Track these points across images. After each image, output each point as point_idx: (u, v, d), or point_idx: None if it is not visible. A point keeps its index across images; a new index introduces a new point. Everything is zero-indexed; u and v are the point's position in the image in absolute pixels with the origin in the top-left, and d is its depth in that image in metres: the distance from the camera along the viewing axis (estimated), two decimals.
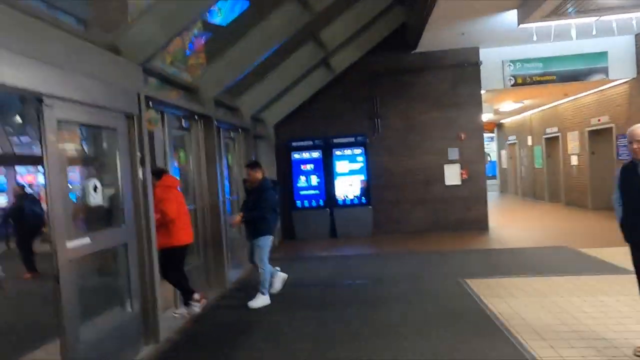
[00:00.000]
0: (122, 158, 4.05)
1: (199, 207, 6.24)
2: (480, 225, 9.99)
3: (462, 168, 10.09)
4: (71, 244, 3.23)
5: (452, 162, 10.10)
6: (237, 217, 5.65)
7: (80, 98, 3.39)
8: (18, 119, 18.34)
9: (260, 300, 5.44)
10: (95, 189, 3.61)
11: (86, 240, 3.41)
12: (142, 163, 4.28)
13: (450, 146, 10.10)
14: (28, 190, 8.91)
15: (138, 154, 4.23)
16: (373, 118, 10.30)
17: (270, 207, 5.50)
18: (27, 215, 7.86)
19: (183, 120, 5.87)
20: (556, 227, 10.08)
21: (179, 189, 5.18)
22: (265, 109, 9.22)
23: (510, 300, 5.02)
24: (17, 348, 4.53)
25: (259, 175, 5.58)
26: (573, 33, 8.31)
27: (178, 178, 5.57)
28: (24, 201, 8.00)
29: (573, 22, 8.04)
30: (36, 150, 20.35)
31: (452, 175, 10.09)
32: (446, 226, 10.06)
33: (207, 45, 9.48)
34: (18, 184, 8.70)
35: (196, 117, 6.12)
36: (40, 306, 6.03)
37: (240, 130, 8.20)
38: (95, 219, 3.89)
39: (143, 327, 4.20)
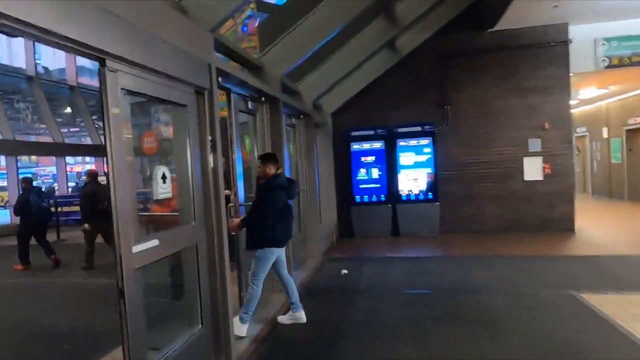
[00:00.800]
0: (192, 142, 3.35)
1: None
2: (565, 226, 8.81)
3: (544, 161, 8.92)
4: (138, 247, 2.54)
5: (533, 154, 8.95)
6: (236, 220, 4.32)
7: (147, 63, 2.68)
8: (68, 109, 18.52)
9: (237, 328, 4.07)
10: (164, 178, 2.91)
11: (154, 242, 2.72)
12: (213, 148, 3.57)
13: (531, 137, 8.94)
14: (36, 183, 8.73)
15: (209, 137, 3.52)
16: (442, 105, 9.28)
17: (273, 210, 4.23)
18: (32, 208, 7.71)
19: (249, 102, 5.14)
20: None
21: None
22: (323, 95, 8.42)
23: None
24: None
25: (270, 170, 4.35)
26: None
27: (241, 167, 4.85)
28: (30, 194, 7.82)
29: None
30: (84, 140, 20.53)
31: (533, 169, 8.95)
32: (525, 226, 8.94)
33: (264, 24, 8.69)
34: (25, 177, 8.47)
35: (263, 98, 5.39)
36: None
37: (301, 116, 7.44)
38: (161, 215, 3.21)
39: (213, 345, 3.51)
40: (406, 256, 7.73)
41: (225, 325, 3.55)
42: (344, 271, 6.53)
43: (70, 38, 2.05)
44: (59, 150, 15.19)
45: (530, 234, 8.76)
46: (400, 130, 9.25)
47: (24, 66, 15.22)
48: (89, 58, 2.34)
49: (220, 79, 3.92)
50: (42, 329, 4.87)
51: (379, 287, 5.87)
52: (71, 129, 21.33)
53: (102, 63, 2.36)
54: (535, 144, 8.93)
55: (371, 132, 9.42)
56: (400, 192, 9.30)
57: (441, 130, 9.24)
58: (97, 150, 16.55)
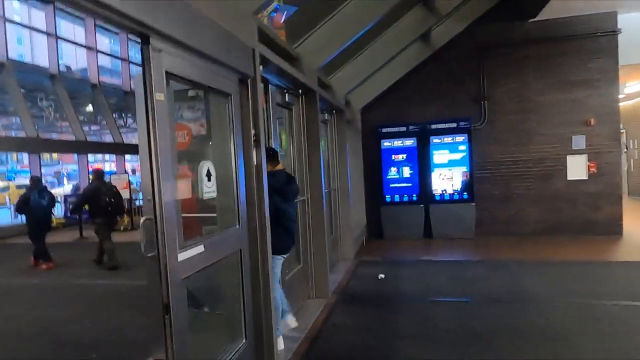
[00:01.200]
0: (235, 136, 3.00)
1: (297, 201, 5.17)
2: (612, 229, 8.25)
3: (589, 160, 8.37)
4: (184, 255, 2.20)
5: (578, 152, 8.40)
6: None
7: (193, 43, 2.34)
8: (90, 107, 18.50)
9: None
10: (209, 176, 2.57)
11: (199, 248, 2.38)
12: (257, 143, 3.22)
13: (575, 133, 8.39)
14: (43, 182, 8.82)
15: (252, 130, 3.17)
16: (479, 100, 8.80)
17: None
18: (33, 207, 7.61)
19: (287, 95, 4.79)
20: None
21: None
22: (354, 89, 8.02)
23: None
24: None
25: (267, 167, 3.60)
26: None
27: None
28: (32, 192, 7.73)
29: None
30: (104, 139, 20.51)
31: (577, 168, 8.40)
32: (568, 229, 8.40)
33: (294, 17, 8.35)
34: (32, 176, 8.53)
35: (300, 91, 5.03)
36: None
37: (334, 111, 7.07)
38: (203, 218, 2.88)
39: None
40: (444, 260, 7.29)
41: (269, 340, 3.20)
42: (381, 276, 6.15)
43: (112, 7, 1.72)
44: (88, 148, 15.20)
45: (574, 237, 8.22)
46: (434, 126, 8.80)
47: (46, 64, 15.20)
48: (131, 33, 2.01)
49: (261, 67, 3.58)
50: (68, 335, 4.61)
51: (423, 293, 5.46)
52: (92, 127, 21.36)
53: (145, 40, 2.03)
54: (579, 141, 8.39)
55: (403, 129, 8.99)
56: (434, 192, 8.85)
57: (477, 126, 8.76)
58: (128, 148, 16.55)
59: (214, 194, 2.64)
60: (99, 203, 7.30)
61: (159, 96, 2.08)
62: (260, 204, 3.21)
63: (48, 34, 15.08)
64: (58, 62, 15.28)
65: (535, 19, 8.33)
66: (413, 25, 7.16)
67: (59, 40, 15.42)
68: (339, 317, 4.73)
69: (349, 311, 4.95)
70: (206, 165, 2.55)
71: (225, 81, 2.84)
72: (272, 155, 3.77)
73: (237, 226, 2.94)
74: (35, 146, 13.26)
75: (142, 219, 3.22)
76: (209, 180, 2.56)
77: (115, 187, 7.98)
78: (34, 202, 7.61)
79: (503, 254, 7.36)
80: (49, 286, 6.85)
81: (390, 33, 7.14)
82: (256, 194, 3.19)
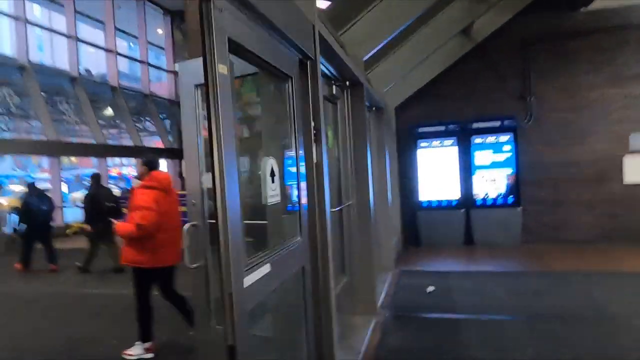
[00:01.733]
0: (296, 129, 2.49)
1: (343, 207, 4.64)
2: None
3: None
4: (250, 279, 1.68)
5: (637, 152, 7.70)
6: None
7: (259, 6, 1.83)
8: (109, 111, 18.30)
9: None
10: (272, 176, 2.05)
11: (266, 268, 1.86)
12: (317, 138, 2.70)
13: (634, 132, 7.70)
14: (40, 186, 8.69)
15: (312, 123, 2.65)
16: (525, 97, 8.16)
17: None
18: (33, 212, 7.64)
19: (334, 87, 4.27)
20: None
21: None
22: (392, 86, 7.47)
23: None
24: None
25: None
26: None
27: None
28: (31, 197, 7.77)
29: None
30: (123, 142, 20.31)
31: (636, 170, 7.69)
32: (626, 236, 7.67)
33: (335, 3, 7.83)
34: (28, 181, 8.62)
35: (348, 83, 4.51)
36: None
37: (373, 108, 6.53)
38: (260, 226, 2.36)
39: None
40: (495, 270, 6.65)
41: None
42: (430, 288, 5.57)
43: None
44: (112, 151, 15.04)
45: (633, 245, 7.50)
46: (476, 125, 8.19)
47: (67, 67, 15.02)
48: None
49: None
50: (92, 354, 4.14)
51: (482, 309, 4.86)
52: (110, 131, 21.23)
53: None
54: (638, 141, 7.68)
55: (441, 128, 8.41)
56: (475, 196, 8.22)
57: (523, 125, 8.12)
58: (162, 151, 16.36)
59: (279, 198, 2.12)
60: (99, 208, 7.20)
61: (222, 68, 1.57)
62: (322, 209, 2.68)
63: (69, 36, 14.90)
64: (78, 64, 15.09)
65: (587, 8, 7.68)
66: (458, 16, 6.60)
67: (79, 43, 15.24)
68: (393, 339, 4.16)
69: (403, 331, 4.38)
70: (270, 163, 2.03)
71: (286, 61, 2.33)
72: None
73: (299, 237, 2.41)
74: (56, 149, 13.03)
75: (185, 226, 2.83)
76: (273, 181, 2.04)
77: (112, 191, 7.99)
78: (34, 206, 7.63)
79: (560, 264, 6.70)
80: (70, 296, 6.44)
81: (432, 25, 6.59)
82: (316, 197, 2.66)
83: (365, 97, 4.99)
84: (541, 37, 8.03)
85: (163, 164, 21.70)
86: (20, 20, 13.18)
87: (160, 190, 3.80)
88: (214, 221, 2.68)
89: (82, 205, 7.87)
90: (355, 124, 4.74)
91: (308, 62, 2.63)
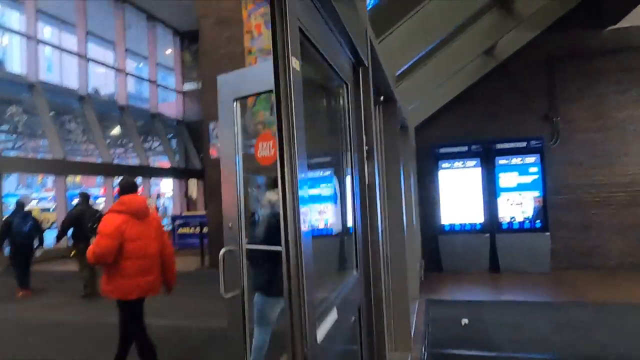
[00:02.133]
0: (351, 144, 2.16)
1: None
2: None
3: None
4: (323, 329, 1.32)
5: None
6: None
7: None
8: (117, 130, 18.14)
9: None
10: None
11: (333, 314, 1.49)
12: (370, 155, 2.37)
13: None
14: (27, 206, 8.26)
15: (364, 137, 2.33)
16: (550, 117, 7.87)
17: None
18: (12, 233, 7.29)
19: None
20: None
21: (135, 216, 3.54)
22: (418, 104, 7.20)
23: None
24: None
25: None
26: None
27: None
28: (14, 218, 7.43)
29: None
30: (129, 162, 20.11)
31: None
32: None
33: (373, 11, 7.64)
34: (17, 200, 8.05)
35: (382, 98, 4.21)
36: None
37: (400, 127, 6.22)
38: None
39: None
40: (530, 300, 6.20)
41: None
42: (465, 321, 5.13)
43: None
44: (120, 170, 14.78)
45: None
46: (500, 146, 7.87)
47: (75, 86, 14.92)
48: None
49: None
50: None
51: (528, 347, 4.42)
52: (117, 150, 21.07)
53: None
54: None
55: (464, 149, 8.09)
56: (501, 220, 7.83)
57: (550, 146, 7.80)
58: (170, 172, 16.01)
59: (340, 227, 1.76)
60: (83, 227, 6.86)
61: (295, 63, 1.24)
62: (374, 237, 2.32)
63: (79, 55, 14.84)
64: (87, 83, 14.98)
65: (615, 26, 7.46)
66: (486, 32, 6.37)
67: (88, 62, 15.17)
68: None
69: None
70: (334, 181, 1.69)
71: (343, 63, 2.02)
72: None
73: (355, 272, 2.05)
74: (62, 168, 12.76)
75: (222, 250, 2.48)
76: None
77: (99, 211, 7.46)
78: (16, 226, 7.29)
79: (596, 294, 6.26)
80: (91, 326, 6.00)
81: (460, 41, 6.35)
82: (369, 223, 2.31)
83: (397, 114, 4.70)
84: (567, 55, 7.79)
85: (168, 184, 21.43)
86: (32, 39, 13.12)
87: (129, 215, 3.46)
88: (253, 246, 2.31)
89: (63, 224, 7.40)
90: (387, 141, 4.42)
91: (360, 69, 2.32)
